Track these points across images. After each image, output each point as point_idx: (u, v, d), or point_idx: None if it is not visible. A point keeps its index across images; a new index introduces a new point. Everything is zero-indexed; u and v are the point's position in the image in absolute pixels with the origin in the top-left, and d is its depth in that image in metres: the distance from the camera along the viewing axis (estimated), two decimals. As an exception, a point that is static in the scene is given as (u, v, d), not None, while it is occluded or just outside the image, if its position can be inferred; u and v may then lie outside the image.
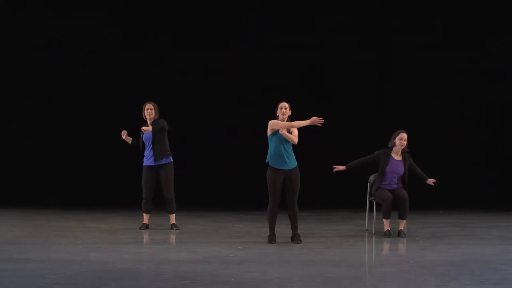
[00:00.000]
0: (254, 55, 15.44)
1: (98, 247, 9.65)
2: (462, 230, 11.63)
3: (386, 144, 10.84)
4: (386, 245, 10.17)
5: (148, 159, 11.28)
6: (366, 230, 11.33)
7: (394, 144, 10.78)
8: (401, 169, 10.77)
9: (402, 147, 10.78)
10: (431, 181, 10.82)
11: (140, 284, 7.49)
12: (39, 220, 12.57)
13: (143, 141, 11.28)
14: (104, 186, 14.88)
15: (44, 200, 14.56)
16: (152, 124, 11.22)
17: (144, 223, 11.39)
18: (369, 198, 11.22)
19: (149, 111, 11.27)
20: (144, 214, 11.39)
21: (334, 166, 10.78)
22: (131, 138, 11.38)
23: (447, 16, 15.35)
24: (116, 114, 15.05)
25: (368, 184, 11.15)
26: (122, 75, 15.32)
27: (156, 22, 15.50)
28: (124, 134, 11.33)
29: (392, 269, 8.33)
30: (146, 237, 10.78)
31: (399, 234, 10.71)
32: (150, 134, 11.20)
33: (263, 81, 15.28)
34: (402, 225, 10.76)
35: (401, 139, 10.77)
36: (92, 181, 15.16)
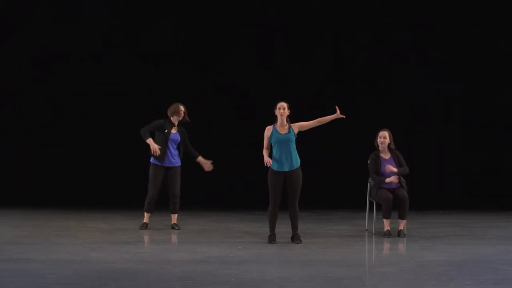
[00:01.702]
0: (254, 54, 15.44)
1: (98, 247, 9.65)
2: (462, 230, 11.63)
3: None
4: (386, 245, 10.18)
5: (166, 160, 11.25)
6: (366, 230, 11.34)
7: (377, 144, 10.86)
8: (393, 166, 10.81)
9: (383, 145, 10.83)
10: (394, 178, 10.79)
11: (140, 284, 7.49)
12: (39, 220, 12.57)
13: (167, 139, 11.22)
14: (104, 186, 14.88)
15: (45, 200, 14.56)
16: (177, 127, 11.29)
17: (145, 223, 11.38)
18: (369, 198, 11.23)
19: (181, 113, 11.31)
20: (145, 213, 11.37)
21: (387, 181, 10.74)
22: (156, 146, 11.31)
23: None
24: (117, 114, 15.07)
25: (368, 184, 11.15)
26: (122, 76, 15.32)
27: (156, 22, 15.51)
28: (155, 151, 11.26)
29: (392, 269, 8.33)
30: (146, 237, 10.78)
31: (399, 234, 10.72)
32: (177, 138, 11.22)
33: (263, 81, 15.29)
34: (402, 225, 10.76)
35: (379, 137, 10.86)
36: (92, 181, 15.15)
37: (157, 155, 11.14)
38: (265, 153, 9.99)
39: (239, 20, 15.48)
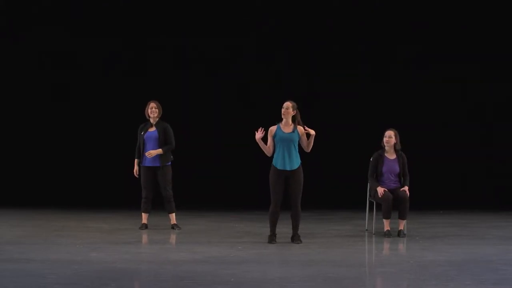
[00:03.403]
0: (255, 53, 15.43)
1: (98, 247, 9.65)
2: (462, 230, 11.63)
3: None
4: (386, 245, 10.18)
5: (147, 160, 11.27)
6: (366, 230, 11.34)
7: (383, 144, 10.87)
8: (396, 168, 10.83)
9: (389, 144, 10.83)
10: (403, 189, 10.81)
11: (140, 284, 7.50)
12: (39, 220, 12.57)
13: (144, 140, 11.26)
14: (104, 186, 14.87)
15: (45, 200, 14.55)
16: (156, 125, 11.25)
17: (144, 223, 11.41)
18: (369, 198, 11.23)
19: (153, 110, 11.27)
20: (142, 213, 11.41)
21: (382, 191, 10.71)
22: (137, 167, 11.42)
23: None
24: (116, 114, 15.06)
25: (368, 184, 11.15)
26: (122, 76, 15.31)
27: (155, 22, 15.51)
28: (136, 172, 11.43)
29: (392, 269, 8.33)
30: (146, 237, 10.79)
31: (399, 234, 10.72)
32: (155, 135, 11.20)
33: (265, 80, 15.27)
34: (402, 225, 10.76)
35: (385, 137, 10.86)
36: (92, 181, 15.14)
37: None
38: (258, 140, 9.95)
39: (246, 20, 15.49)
